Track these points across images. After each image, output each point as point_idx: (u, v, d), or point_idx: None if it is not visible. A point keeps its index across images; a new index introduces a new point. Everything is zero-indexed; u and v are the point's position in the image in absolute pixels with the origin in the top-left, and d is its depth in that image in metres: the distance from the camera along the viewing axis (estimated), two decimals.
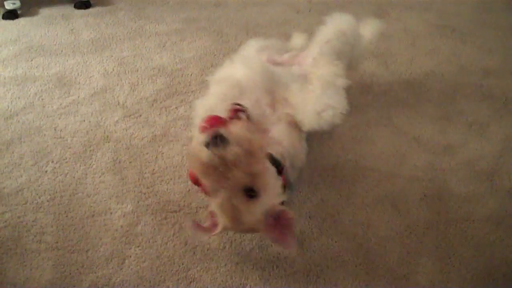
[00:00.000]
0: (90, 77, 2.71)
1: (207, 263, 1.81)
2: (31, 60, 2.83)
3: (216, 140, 1.44)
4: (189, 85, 2.68)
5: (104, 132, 2.35)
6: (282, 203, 1.65)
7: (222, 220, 1.57)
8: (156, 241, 1.88)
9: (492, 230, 1.97)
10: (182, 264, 1.81)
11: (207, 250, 1.85)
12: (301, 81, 1.95)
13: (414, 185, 2.12)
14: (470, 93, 2.66)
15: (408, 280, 1.79)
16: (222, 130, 1.46)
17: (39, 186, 2.09)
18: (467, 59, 2.94)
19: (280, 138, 1.82)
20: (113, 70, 2.77)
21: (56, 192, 2.07)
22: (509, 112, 2.55)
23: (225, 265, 1.81)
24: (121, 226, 1.93)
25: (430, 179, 2.17)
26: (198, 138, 1.51)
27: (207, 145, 1.44)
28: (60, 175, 2.14)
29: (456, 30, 3.26)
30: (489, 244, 1.92)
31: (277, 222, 1.59)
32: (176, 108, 2.51)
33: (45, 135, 2.33)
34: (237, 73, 1.99)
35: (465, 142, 2.36)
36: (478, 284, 1.78)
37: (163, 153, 2.26)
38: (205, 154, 1.43)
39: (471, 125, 2.45)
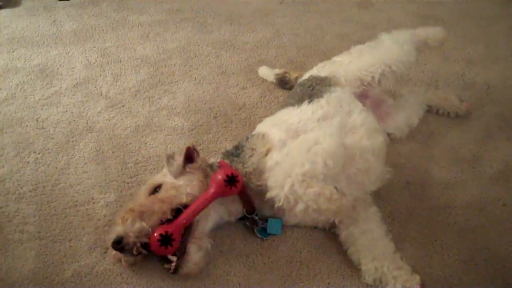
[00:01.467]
0: (73, 68, 2.70)
1: None
2: (13, 52, 2.81)
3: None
4: (173, 75, 2.67)
5: (87, 123, 2.34)
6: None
7: None
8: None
9: (474, 216, 1.99)
10: None
11: None
12: None
13: (397, 173, 2.12)
14: (453, 81, 2.68)
15: None
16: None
17: (21, 176, 2.07)
18: (450, 48, 2.96)
19: None
20: (96, 60, 2.76)
21: (39, 182, 2.05)
22: (491, 101, 2.57)
23: (209, 254, 1.80)
24: (104, 216, 1.93)
25: (413, 166, 2.18)
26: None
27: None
28: (43, 165, 2.13)
29: (439, 20, 3.28)
30: (471, 230, 1.93)
31: None
32: (159, 98, 2.51)
33: (27, 126, 2.31)
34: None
35: (447, 131, 2.37)
36: (460, 269, 1.79)
37: (146, 143, 2.25)
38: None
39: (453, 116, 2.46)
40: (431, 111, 2.45)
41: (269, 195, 1.71)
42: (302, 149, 1.73)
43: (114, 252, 1.65)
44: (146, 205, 1.69)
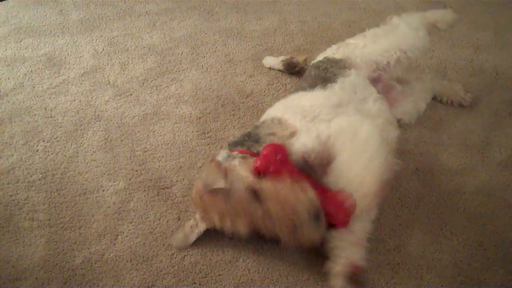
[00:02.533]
0: (80, 57, 2.70)
1: (200, 238, 1.81)
2: (20, 41, 2.81)
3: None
4: (180, 63, 2.67)
5: (95, 111, 2.35)
6: None
7: None
8: (148, 217, 1.88)
9: (483, 202, 1.98)
10: None
11: None
12: None
13: (405, 159, 2.12)
14: (461, 68, 2.66)
15: (399, 251, 1.80)
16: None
17: (30, 165, 2.08)
18: (458, 34, 2.94)
19: None
20: (103, 50, 2.76)
21: (48, 170, 2.06)
22: (499, 87, 2.55)
23: (218, 240, 1.81)
24: (114, 203, 1.94)
25: (422, 153, 2.18)
26: None
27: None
28: (52, 153, 2.13)
29: (447, 6, 3.25)
30: (480, 216, 1.93)
31: None
32: (167, 86, 2.51)
33: (35, 114, 2.32)
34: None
35: (456, 117, 2.36)
36: (469, 255, 1.80)
37: (154, 131, 2.25)
38: None
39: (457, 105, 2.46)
40: (435, 99, 2.44)
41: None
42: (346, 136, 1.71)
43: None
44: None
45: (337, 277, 1.63)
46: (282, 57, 2.61)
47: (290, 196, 1.53)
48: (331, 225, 1.61)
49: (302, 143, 1.75)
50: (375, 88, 2.10)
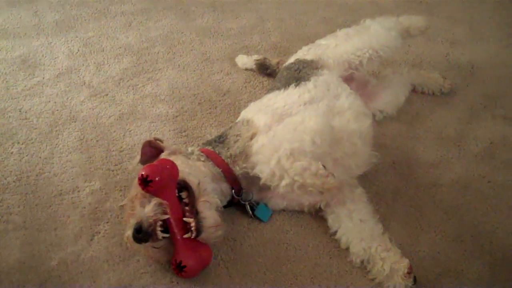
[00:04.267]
0: (55, 58, 2.67)
1: None
2: None
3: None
4: (156, 63, 2.66)
5: (70, 112, 2.33)
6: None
7: None
8: (124, 217, 1.86)
9: (460, 194, 1.99)
10: None
11: None
12: None
13: (382, 153, 2.12)
14: (437, 62, 2.68)
15: None
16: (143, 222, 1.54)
17: (5, 167, 2.06)
18: (434, 29, 2.95)
19: None
20: (78, 50, 2.74)
21: (23, 172, 2.04)
22: (475, 80, 2.57)
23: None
24: (89, 204, 1.92)
25: (398, 146, 2.19)
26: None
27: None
28: (26, 155, 2.11)
29: (422, 2, 3.28)
30: (458, 208, 1.94)
31: None
32: (143, 86, 2.49)
33: (10, 117, 2.29)
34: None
35: (432, 110, 2.38)
36: (446, 246, 1.80)
37: (130, 130, 2.24)
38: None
39: (438, 94, 2.47)
40: (415, 90, 2.46)
41: (255, 171, 1.71)
42: (288, 129, 1.72)
43: (142, 247, 1.60)
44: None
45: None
46: (255, 56, 2.61)
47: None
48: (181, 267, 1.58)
49: (260, 145, 1.75)
50: (348, 86, 2.10)
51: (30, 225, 1.85)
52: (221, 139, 1.91)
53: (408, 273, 1.63)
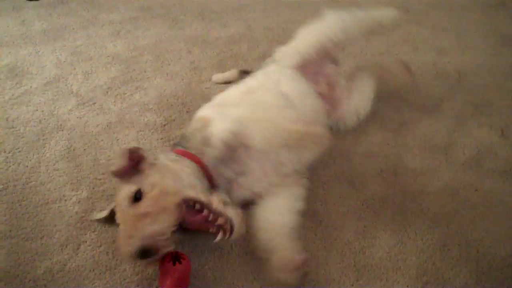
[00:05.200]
0: (43, 67, 2.67)
1: None
2: None
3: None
4: (145, 71, 2.66)
5: (58, 121, 2.32)
6: None
7: None
8: (111, 226, 1.85)
9: (447, 202, 2.00)
10: None
11: None
12: None
13: (370, 161, 2.14)
14: (425, 71, 2.69)
15: (364, 253, 1.80)
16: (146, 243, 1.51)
17: None
18: (421, 38, 2.98)
19: None
20: (66, 59, 2.73)
21: (9, 181, 2.03)
22: (462, 89, 2.59)
23: (184, 248, 1.79)
24: (76, 213, 1.91)
25: (386, 155, 2.19)
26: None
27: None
28: (13, 164, 2.10)
29: (410, 11, 3.30)
30: (444, 216, 1.94)
31: None
32: (131, 94, 2.49)
33: None
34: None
35: (420, 119, 2.38)
36: (433, 255, 1.80)
37: (118, 139, 2.23)
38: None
39: (425, 102, 2.48)
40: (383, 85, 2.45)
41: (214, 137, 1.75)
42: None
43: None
44: (145, 207, 1.55)
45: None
46: (232, 70, 2.62)
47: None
48: None
49: (222, 128, 1.78)
50: (299, 74, 2.12)
51: (16, 234, 1.83)
52: (184, 139, 1.90)
53: (298, 268, 1.65)
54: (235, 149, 1.77)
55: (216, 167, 1.77)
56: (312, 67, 2.17)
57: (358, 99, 2.28)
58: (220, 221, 1.54)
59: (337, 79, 2.26)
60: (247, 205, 1.87)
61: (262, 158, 1.81)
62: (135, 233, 1.51)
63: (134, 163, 1.70)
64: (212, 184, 1.78)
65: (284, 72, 2.09)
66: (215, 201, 1.58)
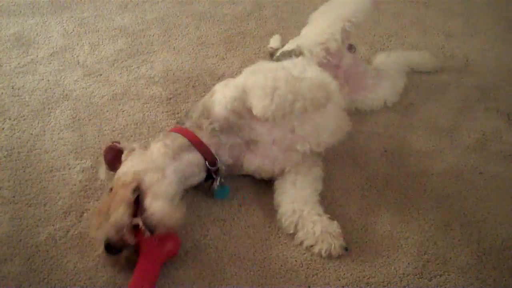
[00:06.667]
0: (49, 37, 2.66)
1: None
2: None
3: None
4: (151, 45, 2.65)
5: (63, 91, 2.31)
6: None
7: None
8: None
9: (450, 183, 2.00)
10: None
11: None
12: None
13: (374, 141, 2.14)
14: (432, 54, 2.67)
15: (367, 230, 1.81)
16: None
17: None
18: (430, 22, 2.96)
19: None
20: (73, 30, 2.72)
21: (13, 148, 2.03)
22: (469, 73, 2.58)
23: (186, 218, 1.79)
24: (80, 181, 1.91)
25: (391, 135, 2.19)
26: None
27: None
28: (18, 132, 2.10)
29: None
30: (448, 196, 1.95)
31: None
32: (137, 67, 2.48)
33: (2, 93, 2.27)
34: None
35: (426, 101, 2.38)
36: (435, 234, 1.81)
37: (123, 110, 2.23)
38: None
39: (431, 84, 2.47)
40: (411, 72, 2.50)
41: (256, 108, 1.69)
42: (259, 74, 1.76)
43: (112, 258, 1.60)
44: (106, 201, 1.60)
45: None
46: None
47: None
48: None
49: (221, 96, 1.79)
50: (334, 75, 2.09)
51: (19, 200, 1.84)
52: (186, 115, 1.91)
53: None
54: (240, 115, 1.77)
55: (219, 138, 1.77)
56: (333, 60, 2.16)
57: (387, 88, 2.31)
58: (135, 220, 1.55)
59: (358, 69, 2.28)
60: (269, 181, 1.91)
61: (272, 125, 1.79)
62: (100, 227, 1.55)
63: (116, 153, 1.79)
64: (208, 158, 1.77)
65: (310, 64, 2.05)
66: (149, 191, 1.59)
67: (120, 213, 1.52)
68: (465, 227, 1.84)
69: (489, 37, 2.88)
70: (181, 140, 1.75)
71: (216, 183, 1.81)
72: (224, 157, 1.80)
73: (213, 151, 1.76)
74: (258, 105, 1.67)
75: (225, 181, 1.83)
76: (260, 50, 2.67)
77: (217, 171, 1.79)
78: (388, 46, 2.71)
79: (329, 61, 2.14)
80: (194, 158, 1.75)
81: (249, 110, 1.73)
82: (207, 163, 1.76)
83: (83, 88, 2.33)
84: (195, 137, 1.76)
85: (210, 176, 1.80)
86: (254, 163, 1.85)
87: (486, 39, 2.85)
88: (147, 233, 1.52)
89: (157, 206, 1.54)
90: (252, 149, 1.82)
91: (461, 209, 1.90)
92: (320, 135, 1.86)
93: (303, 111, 1.67)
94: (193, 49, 2.64)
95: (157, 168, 1.66)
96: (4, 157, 1.99)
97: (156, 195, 1.57)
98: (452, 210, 1.90)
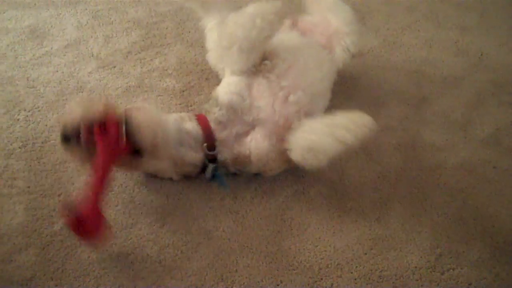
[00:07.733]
0: (64, 29, 2.67)
1: (180, 207, 1.81)
2: (4, 13, 2.77)
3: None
4: (165, 38, 2.65)
5: (78, 82, 2.32)
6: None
7: None
8: (128, 186, 1.87)
9: (464, 177, 2.00)
10: (155, 207, 1.81)
11: (180, 194, 1.85)
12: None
13: (387, 135, 2.13)
14: (446, 47, 2.67)
15: (379, 223, 1.81)
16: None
17: (10, 133, 2.06)
18: (444, 16, 2.94)
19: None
20: (87, 22, 2.73)
21: (28, 139, 2.04)
22: (483, 67, 2.56)
23: (198, 209, 1.81)
24: None
25: (404, 129, 2.18)
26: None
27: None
28: (32, 123, 2.11)
29: None
30: (461, 190, 1.94)
31: None
32: (151, 60, 2.49)
33: (17, 84, 2.29)
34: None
35: (440, 95, 2.37)
36: (448, 228, 1.81)
37: (137, 102, 2.24)
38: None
39: (445, 78, 2.46)
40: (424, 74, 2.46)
41: None
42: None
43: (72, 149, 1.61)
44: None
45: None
46: None
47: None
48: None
49: (225, 83, 1.90)
50: None
51: (34, 190, 1.85)
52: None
53: None
54: (242, 97, 1.79)
55: (225, 125, 1.78)
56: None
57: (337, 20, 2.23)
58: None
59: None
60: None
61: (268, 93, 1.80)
62: None
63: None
64: (208, 139, 1.77)
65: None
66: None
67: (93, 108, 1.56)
68: (478, 221, 1.84)
69: (504, 31, 2.86)
70: (192, 117, 1.82)
71: (209, 171, 1.81)
72: (228, 148, 1.80)
73: (216, 137, 1.78)
74: (228, 66, 1.84)
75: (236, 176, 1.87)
76: None
77: (215, 160, 1.79)
78: (401, 40, 2.70)
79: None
80: (193, 129, 1.78)
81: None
82: (205, 146, 1.76)
83: (97, 80, 2.34)
84: (201, 115, 1.81)
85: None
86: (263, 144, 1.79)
87: (501, 33, 2.84)
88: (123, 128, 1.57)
89: (141, 114, 1.60)
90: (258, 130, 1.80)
91: (474, 203, 1.90)
92: (308, 76, 1.86)
93: (263, 36, 1.77)
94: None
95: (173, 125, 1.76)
96: (19, 148, 2.01)
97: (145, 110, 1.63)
98: (465, 204, 1.90)
